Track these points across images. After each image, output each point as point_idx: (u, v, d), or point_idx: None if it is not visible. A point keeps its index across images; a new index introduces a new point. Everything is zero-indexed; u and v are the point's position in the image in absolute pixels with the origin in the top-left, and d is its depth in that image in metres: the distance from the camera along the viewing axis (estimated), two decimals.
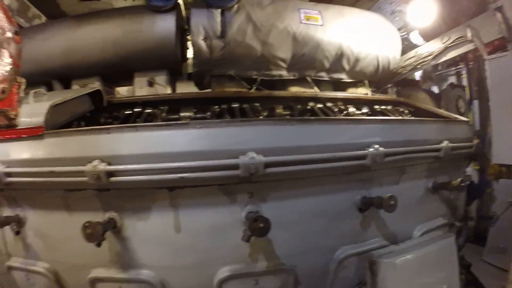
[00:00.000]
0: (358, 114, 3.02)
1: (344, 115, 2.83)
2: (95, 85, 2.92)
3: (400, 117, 3.20)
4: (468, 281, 3.46)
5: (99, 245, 1.93)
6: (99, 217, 2.01)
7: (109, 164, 1.90)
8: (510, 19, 3.36)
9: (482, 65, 4.35)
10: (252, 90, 2.87)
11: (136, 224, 2.07)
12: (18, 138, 2.11)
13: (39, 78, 3.18)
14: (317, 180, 2.23)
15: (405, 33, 4.98)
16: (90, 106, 2.63)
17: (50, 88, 3.37)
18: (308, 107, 2.79)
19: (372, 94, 3.70)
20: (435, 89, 5.57)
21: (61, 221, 2.17)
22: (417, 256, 2.49)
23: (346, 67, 3.36)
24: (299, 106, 2.79)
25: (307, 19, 3.22)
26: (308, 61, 3.13)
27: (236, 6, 3.02)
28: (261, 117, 2.56)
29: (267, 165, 1.95)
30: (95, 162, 1.89)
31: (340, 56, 3.28)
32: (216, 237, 2.09)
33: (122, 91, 3.37)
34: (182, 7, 3.37)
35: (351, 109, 3.02)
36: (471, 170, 4.73)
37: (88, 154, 1.94)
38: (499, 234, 4.14)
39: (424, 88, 5.31)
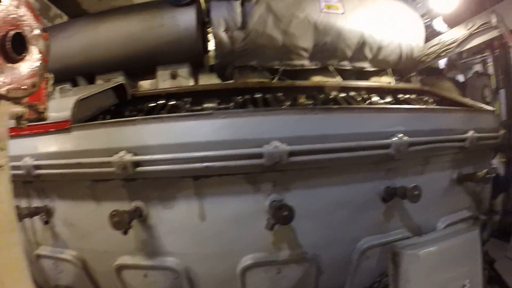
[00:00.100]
0: (381, 103, 3.00)
1: (368, 105, 2.82)
2: (119, 79, 3.02)
3: (424, 106, 3.16)
4: (491, 278, 3.39)
5: (125, 233, 2.01)
6: (126, 206, 2.10)
7: (135, 154, 1.97)
8: None
9: (508, 53, 4.23)
10: (275, 81, 2.89)
11: (161, 212, 2.14)
12: (46, 132, 2.23)
13: (64, 75, 3.31)
14: (340, 170, 2.25)
15: (428, 19, 4.87)
16: (115, 100, 2.73)
17: (74, 84, 3.49)
18: (331, 97, 2.79)
19: (395, 83, 3.66)
20: (460, 78, 5.45)
21: (88, 211, 2.27)
22: (440, 249, 2.48)
23: (369, 55, 3.33)
24: (322, 96, 2.80)
25: (328, 8, 3.20)
26: (330, 50, 3.12)
27: None
28: (286, 106, 2.59)
29: (291, 154, 1.99)
30: (122, 153, 1.96)
31: (362, 44, 3.26)
32: (240, 225, 2.14)
33: (145, 85, 3.46)
34: (202, 0, 3.41)
35: (375, 98, 3.00)
36: (497, 163, 4.62)
37: (115, 145, 2.02)
38: None
39: (449, 76, 5.20)
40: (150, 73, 3.37)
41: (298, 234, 2.22)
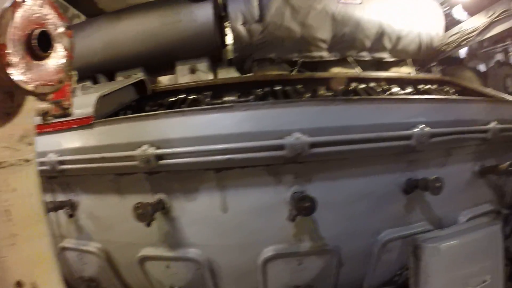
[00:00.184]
0: (402, 94, 2.98)
1: (388, 95, 2.81)
2: (139, 75, 3.11)
3: (446, 97, 3.13)
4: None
5: (149, 225, 2.08)
6: (149, 199, 2.16)
7: (158, 148, 2.02)
8: None
9: None
10: (294, 73, 2.91)
11: (184, 204, 2.19)
12: (69, 129, 2.31)
13: (84, 73, 3.40)
14: (362, 161, 2.26)
15: (447, 8, 4.78)
16: (135, 95, 2.81)
17: (95, 82, 3.59)
18: (351, 88, 2.80)
19: (415, 74, 3.63)
20: (482, 68, 5.34)
21: (112, 204, 2.35)
22: (461, 243, 2.47)
23: (388, 45, 3.31)
24: (342, 87, 2.81)
25: None
26: (348, 41, 3.11)
27: None
28: (306, 98, 2.61)
29: (312, 145, 2.00)
30: (145, 147, 2.02)
31: (381, 34, 3.23)
32: (262, 217, 2.18)
33: (164, 80, 3.53)
34: None
35: (395, 89, 2.99)
36: None
37: (138, 139, 2.07)
38: None
39: (470, 66, 5.10)
40: (169, 69, 3.44)
41: (319, 226, 2.24)
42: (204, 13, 3.22)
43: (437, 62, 4.46)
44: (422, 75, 3.59)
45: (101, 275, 2.65)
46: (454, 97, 3.30)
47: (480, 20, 4.12)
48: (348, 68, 3.15)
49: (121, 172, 2.21)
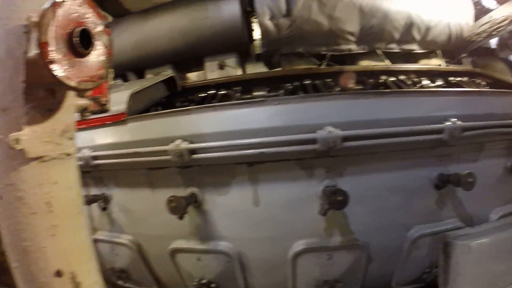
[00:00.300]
0: (432, 87, 2.95)
1: (419, 88, 2.79)
2: (168, 72, 3.20)
3: (478, 89, 3.08)
4: None
5: (181, 218, 2.15)
6: (181, 192, 2.23)
7: (191, 142, 2.08)
8: None
9: None
10: (323, 66, 2.93)
11: (216, 198, 2.25)
12: (103, 125, 2.41)
13: (115, 71, 3.51)
14: (393, 155, 2.25)
15: None
16: (165, 92, 2.90)
17: (125, 80, 3.70)
18: (381, 81, 2.79)
19: (446, 65, 3.58)
20: None
21: (144, 197, 2.44)
22: (492, 241, 2.41)
23: (417, 37, 3.27)
24: (371, 80, 2.81)
25: None
26: (377, 33, 3.09)
27: None
28: (336, 91, 2.63)
29: (344, 139, 2.02)
30: (178, 141, 2.08)
31: (409, 25, 3.20)
32: (293, 210, 2.21)
33: (192, 77, 3.61)
34: None
35: (425, 82, 2.96)
36: None
37: (171, 134, 2.14)
38: None
39: (502, 57, 4.95)
40: (197, 65, 3.51)
41: (350, 220, 2.26)
42: (231, 9, 3.27)
43: (467, 53, 4.36)
44: (452, 67, 3.52)
45: (132, 267, 2.75)
46: (486, 89, 3.24)
47: (511, 8, 3.99)
48: (376, 60, 3.13)
49: (154, 166, 2.29)
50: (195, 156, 2.09)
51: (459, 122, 2.25)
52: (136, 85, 2.57)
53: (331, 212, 2.09)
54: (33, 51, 1.02)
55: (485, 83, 3.43)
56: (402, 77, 2.91)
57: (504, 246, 2.47)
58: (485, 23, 4.19)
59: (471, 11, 3.86)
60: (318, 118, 2.05)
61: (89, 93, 1.45)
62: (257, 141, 1.99)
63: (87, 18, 1.13)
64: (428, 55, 3.52)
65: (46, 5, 1.00)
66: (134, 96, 2.43)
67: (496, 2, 4.48)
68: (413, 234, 2.42)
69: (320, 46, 3.01)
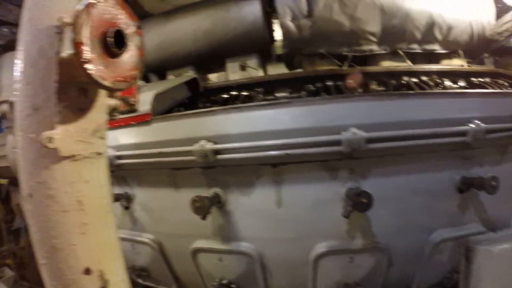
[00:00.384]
0: (454, 88, 2.94)
1: (441, 89, 2.78)
2: (189, 73, 3.26)
3: (502, 90, 3.05)
4: None
5: (204, 218, 2.18)
6: (204, 192, 2.26)
7: (215, 143, 2.12)
8: None
9: None
10: (344, 67, 2.94)
11: (239, 198, 2.28)
12: (127, 125, 2.46)
13: None
14: (416, 157, 2.25)
15: None
16: (188, 93, 2.96)
17: (146, 81, 3.76)
18: (403, 82, 2.80)
19: (467, 66, 3.55)
20: None
21: (167, 197, 2.48)
22: None
23: (439, 37, 3.25)
24: (393, 81, 2.81)
25: None
26: (398, 33, 3.08)
27: None
28: (360, 93, 2.65)
29: (369, 140, 2.03)
30: (202, 142, 2.12)
31: (431, 25, 3.17)
32: (316, 212, 2.22)
33: (212, 78, 3.68)
34: None
35: (447, 83, 2.95)
36: None
37: (195, 135, 2.18)
38: None
39: None
40: (218, 66, 3.58)
41: (373, 223, 2.26)
42: (252, 10, 3.32)
43: (489, 53, 4.31)
44: (474, 67, 3.49)
45: (153, 265, 2.81)
46: (509, 90, 3.20)
47: None
48: (398, 61, 3.13)
49: (177, 166, 2.33)
50: (219, 156, 2.12)
51: (483, 124, 2.23)
52: (159, 86, 2.63)
53: (353, 214, 2.11)
54: (67, 51, 1.04)
55: (508, 84, 3.40)
56: (424, 78, 2.91)
57: None
58: (507, 22, 4.13)
59: (493, 10, 3.82)
60: (342, 120, 2.06)
61: (118, 93, 1.49)
62: (282, 142, 2.01)
63: (119, 19, 1.15)
64: (449, 55, 3.50)
65: (81, 5, 1.02)
66: (158, 97, 2.48)
67: None
68: (435, 238, 2.41)
69: (341, 46, 3.02)
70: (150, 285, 2.99)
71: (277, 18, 3.34)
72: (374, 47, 3.06)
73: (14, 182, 4.59)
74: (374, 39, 3.06)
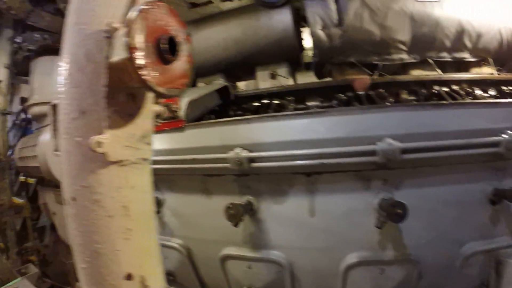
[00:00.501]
0: (485, 97, 2.94)
1: (472, 99, 2.79)
2: (220, 81, 3.34)
3: None
4: None
5: (236, 225, 2.23)
6: (236, 199, 2.30)
7: (250, 151, 2.16)
8: None
9: None
10: (375, 76, 2.96)
11: (271, 207, 2.31)
12: (161, 131, 2.51)
13: None
14: (448, 168, 2.25)
15: None
16: (218, 100, 3.03)
17: None
18: (434, 91, 2.81)
19: (497, 74, 3.52)
20: None
21: (198, 203, 2.53)
22: None
23: (468, 44, 3.23)
24: (424, 90, 2.84)
25: None
26: (428, 42, 3.08)
27: None
28: (397, 102, 2.67)
29: (404, 151, 2.04)
30: (237, 150, 2.17)
31: (460, 33, 3.17)
32: (348, 222, 2.24)
33: (240, 86, 3.76)
34: None
35: (477, 91, 2.95)
36: None
37: (230, 142, 2.23)
38: None
39: None
40: (247, 74, 3.65)
41: (404, 234, 2.26)
42: (283, 19, 3.38)
43: None
44: (504, 75, 3.47)
45: (179, 270, 2.84)
46: None
47: None
48: (428, 70, 3.13)
49: (211, 173, 2.38)
50: (254, 164, 2.16)
51: None
52: (191, 93, 2.69)
53: (385, 225, 2.12)
54: (119, 56, 1.04)
55: None
56: (454, 87, 2.91)
57: None
58: None
59: None
60: (378, 130, 2.08)
61: (162, 100, 1.53)
62: (318, 152, 2.05)
63: (171, 25, 1.15)
64: (479, 63, 3.48)
65: (136, 10, 1.03)
66: (191, 104, 2.53)
67: None
68: (466, 250, 2.39)
69: (371, 55, 3.03)
70: None
71: (305, 27, 3.40)
72: (404, 56, 3.07)
73: (41, 181, 4.73)
74: (404, 47, 3.07)
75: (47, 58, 4.34)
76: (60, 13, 4.25)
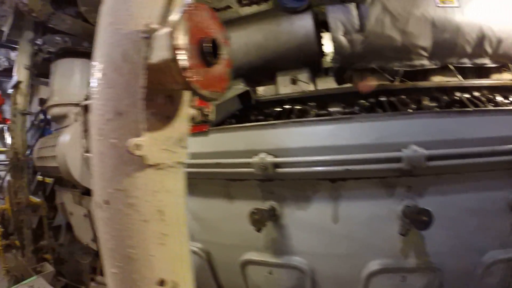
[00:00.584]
0: (507, 104, 2.92)
1: (493, 105, 2.79)
2: (241, 86, 3.36)
3: None
4: None
5: (260, 230, 2.25)
6: (258, 204, 2.32)
7: (275, 156, 2.18)
8: None
9: None
10: (396, 82, 2.96)
11: (294, 212, 2.32)
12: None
13: None
14: (472, 175, 2.26)
15: None
16: (239, 105, 3.05)
17: None
18: (456, 98, 2.81)
19: None
20: None
21: (220, 207, 2.55)
22: None
23: (489, 50, 3.22)
24: (445, 97, 2.83)
25: (443, 2, 3.15)
26: (449, 48, 3.07)
27: None
28: (419, 109, 2.68)
29: (429, 158, 2.05)
30: (262, 155, 2.19)
31: (481, 38, 3.15)
32: (371, 229, 2.24)
33: (260, 91, 3.75)
34: None
35: (499, 98, 2.93)
36: None
37: (254, 147, 2.25)
38: None
39: None
40: (268, 79, 3.65)
41: (427, 242, 2.26)
42: (304, 24, 3.40)
43: None
44: None
45: (198, 274, 2.79)
46: None
47: None
48: (449, 76, 3.13)
49: (234, 178, 2.40)
50: (279, 170, 2.18)
51: None
52: None
53: (411, 232, 2.13)
54: (160, 57, 1.03)
55: None
56: (475, 93, 2.91)
57: None
58: None
59: None
60: (403, 137, 2.09)
61: (195, 103, 1.52)
62: (343, 158, 2.06)
63: (212, 28, 1.14)
64: (499, 69, 3.46)
65: (180, 11, 1.02)
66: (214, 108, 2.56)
67: None
68: (488, 259, 2.38)
69: (392, 61, 3.03)
70: None
71: (325, 32, 3.41)
72: (425, 62, 3.06)
73: (59, 182, 4.80)
74: (425, 53, 3.06)
75: (67, 60, 4.40)
76: (81, 16, 4.31)
